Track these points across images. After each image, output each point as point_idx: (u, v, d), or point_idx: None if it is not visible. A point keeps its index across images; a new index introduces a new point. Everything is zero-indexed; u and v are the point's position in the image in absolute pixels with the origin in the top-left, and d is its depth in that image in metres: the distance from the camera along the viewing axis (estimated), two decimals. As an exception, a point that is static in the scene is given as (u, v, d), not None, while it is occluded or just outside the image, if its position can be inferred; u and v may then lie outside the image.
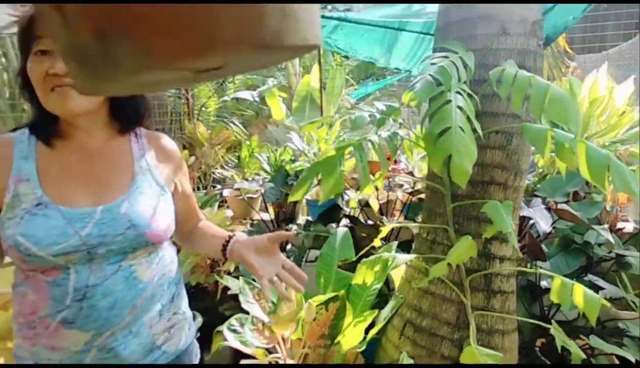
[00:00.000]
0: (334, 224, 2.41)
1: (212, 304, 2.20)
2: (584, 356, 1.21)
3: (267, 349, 1.32)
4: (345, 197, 2.56)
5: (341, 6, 4.25)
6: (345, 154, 1.35)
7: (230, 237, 0.96)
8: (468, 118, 1.20)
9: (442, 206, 1.49)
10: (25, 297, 0.81)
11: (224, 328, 1.47)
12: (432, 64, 1.28)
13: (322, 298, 1.37)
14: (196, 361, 1.02)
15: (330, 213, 2.63)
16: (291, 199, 1.19)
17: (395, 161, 2.74)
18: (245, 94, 6.15)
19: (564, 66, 2.88)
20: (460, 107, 1.17)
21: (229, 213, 3.01)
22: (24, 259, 0.76)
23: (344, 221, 2.61)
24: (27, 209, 0.78)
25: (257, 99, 5.97)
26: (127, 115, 0.89)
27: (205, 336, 2.03)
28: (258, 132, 4.96)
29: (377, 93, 6.47)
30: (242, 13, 0.21)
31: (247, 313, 1.47)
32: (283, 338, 1.31)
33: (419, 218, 2.09)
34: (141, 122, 0.92)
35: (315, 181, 2.80)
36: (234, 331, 1.43)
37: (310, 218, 2.58)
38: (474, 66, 1.35)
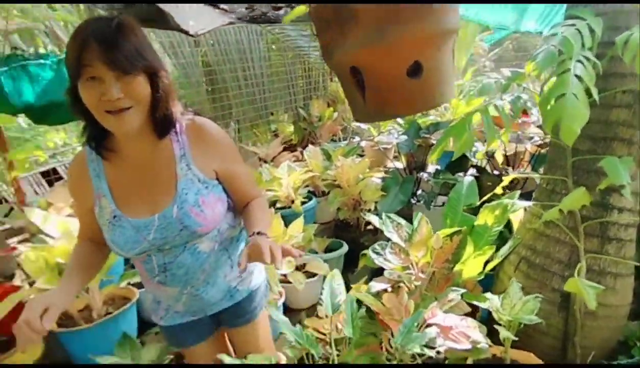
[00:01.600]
0: (461, 174, 2.66)
1: (355, 236, 2.74)
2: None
3: (402, 267, 1.76)
4: (473, 148, 2.76)
5: None
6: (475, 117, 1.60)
7: (251, 235, 1.00)
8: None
9: (563, 159, 1.65)
10: (134, 263, 1.11)
11: (369, 251, 1.94)
12: (554, 34, 1.42)
13: (447, 231, 1.73)
14: (265, 299, 1.27)
15: (458, 162, 2.86)
16: (431, 158, 1.53)
17: (527, 114, 2.78)
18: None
19: None
20: (577, 76, 1.32)
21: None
22: (119, 254, 1.05)
23: (471, 170, 2.83)
24: (109, 219, 0.99)
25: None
26: (165, 124, 0.97)
27: (350, 259, 2.59)
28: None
29: (512, 41, 5.98)
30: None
31: (387, 241, 1.92)
32: (415, 260, 1.73)
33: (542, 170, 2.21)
34: (172, 127, 0.99)
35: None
36: (377, 253, 1.89)
37: (439, 167, 2.87)
38: (604, 29, 1.44)
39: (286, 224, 2.28)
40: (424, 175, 2.69)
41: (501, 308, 1.45)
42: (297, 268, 2.28)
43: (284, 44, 3.94)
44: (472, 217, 2.09)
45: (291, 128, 4.08)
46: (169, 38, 3.11)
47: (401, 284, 1.64)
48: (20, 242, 2.03)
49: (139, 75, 0.87)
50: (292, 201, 2.55)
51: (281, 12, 1.57)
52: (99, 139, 0.96)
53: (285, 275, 2.13)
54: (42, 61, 1.41)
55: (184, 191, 0.98)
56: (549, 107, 1.36)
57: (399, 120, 3.13)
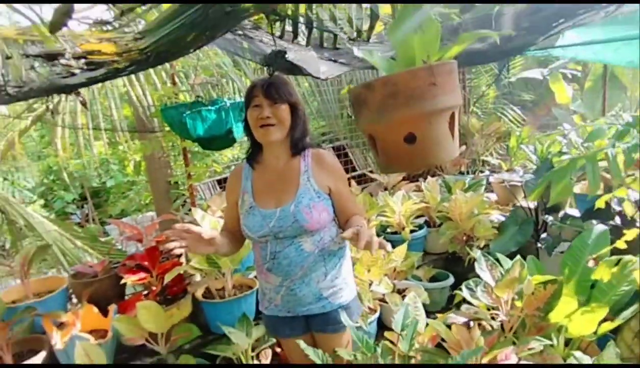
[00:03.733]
0: (594, 221, 2.37)
1: (462, 270, 2.70)
2: None
3: (490, 306, 1.74)
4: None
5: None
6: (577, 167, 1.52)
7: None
8: None
9: None
10: (254, 252, 1.44)
11: (463, 286, 1.97)
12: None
13: (540, 278, 1.65)
14: (356, 316, 1.46)
15: (598, 209, 2.54)
16: (530, 199, 1.53)
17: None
18: (534, 73, 5.80)
19: None
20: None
21: (493, 196, 3.34)
22: (248, 237, 1.38)
23: (616, 219, 2.48)
24: (247, 209, 1.36)
25: (548, 76, 5.57)
26: (298, 145, 1.35)
27: (453, 293, 2.56)
28: (536, 119, 4.78)
29: None
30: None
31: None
32: (505, 301, 1.69)
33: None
34: (305, 148, 1.37)
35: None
36: (470, 289, 1.90)
37: (570, 211, 2.60)
38: None
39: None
40: (549, 218, 2.50)
41: (587, 371, 1.34)
42: (398, 292, 2.40)
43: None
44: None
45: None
46: (314, 80, 3.65)
47: (482, 322, 1.64)
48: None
49: (283, 104, 1.28)
50: (403, 228, 2.70)
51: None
52: (254, 154, 1.40)
53: (383, 295, 2.29)
54: (209, 107, 2.05)
55: (301, 196, 1.32)
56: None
57: (533, 156, 2.96)
